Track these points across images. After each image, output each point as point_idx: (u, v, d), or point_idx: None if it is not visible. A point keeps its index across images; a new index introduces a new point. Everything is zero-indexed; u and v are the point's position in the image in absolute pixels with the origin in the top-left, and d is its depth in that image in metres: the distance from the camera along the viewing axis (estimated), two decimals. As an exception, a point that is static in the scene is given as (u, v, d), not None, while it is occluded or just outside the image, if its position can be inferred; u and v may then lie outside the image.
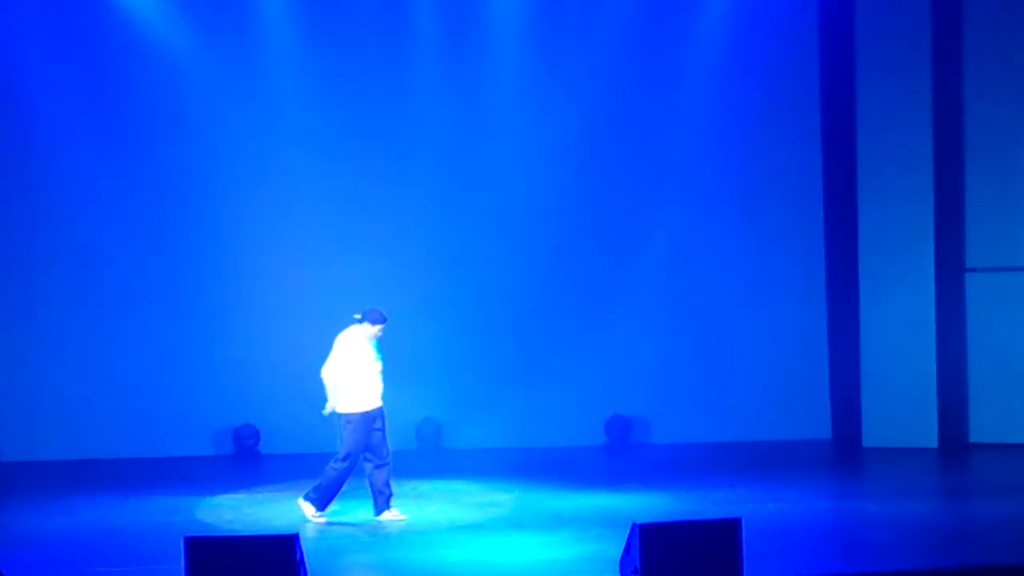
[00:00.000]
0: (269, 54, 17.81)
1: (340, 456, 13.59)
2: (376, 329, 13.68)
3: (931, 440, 17.47)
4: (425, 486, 15.14)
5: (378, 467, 13.57)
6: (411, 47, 17.92)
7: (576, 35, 18.07)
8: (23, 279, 17.76)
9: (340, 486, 13.66)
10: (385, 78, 17.93)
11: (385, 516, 13.53)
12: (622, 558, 10.38)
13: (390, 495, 13.59)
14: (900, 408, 17.51)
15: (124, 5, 17.50)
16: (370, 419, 13.55)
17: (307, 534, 12.66)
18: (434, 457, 17.36)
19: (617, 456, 17.78)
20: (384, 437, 13.64)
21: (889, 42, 17.49)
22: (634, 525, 9.91)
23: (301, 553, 9.66)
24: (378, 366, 13.70)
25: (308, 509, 13.68)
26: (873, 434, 17.66)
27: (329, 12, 17.87)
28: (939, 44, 17.53)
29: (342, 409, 13.59)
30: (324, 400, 13.80)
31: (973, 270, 17.80)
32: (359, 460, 13.61)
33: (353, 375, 13.58)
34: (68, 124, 17.64)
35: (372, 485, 13.62)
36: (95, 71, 17.59)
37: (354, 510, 13.98)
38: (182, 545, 9.54)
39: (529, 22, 17.98)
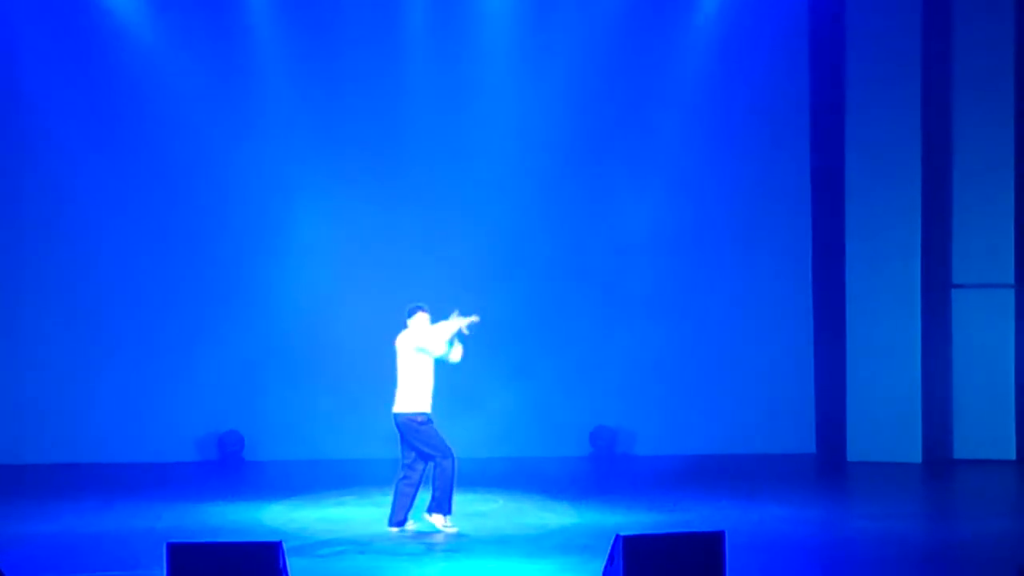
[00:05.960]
0: (271, 54, 17.87)
1: (436, 459, 13.29)
2: (425, 316, 13.56)
3: (915, 455, 17.51)
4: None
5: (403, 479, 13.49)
6: (411, 40, 17.99)
7: (568, 42, 18.11)
8: (8, 284, 17.74)
9: (452, 482, 13.31)
10: (373, 85, 17.97)
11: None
12: (605, 569, 10.36)
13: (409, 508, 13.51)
14: (885, 423, 17.55)
15: (124, 6, 17.51)
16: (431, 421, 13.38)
17: (291, 543, 12.63)
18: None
19: (602, 467, 17.79)
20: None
21: (879, 59, 17.54)
22: (618, 537, 9.89)
23: (284, 561, 9.64)
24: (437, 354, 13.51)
25: (437, 520, 13.38)
26: (858, 449, 17.69)
27: (341, 12, 17.96)
28: (928, 62, 17.59)
29: (410, 409, 13.28)
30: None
31: (959, 286, 17.84)
32: (453, 454, 13.32)
33: (419, 372, 13.38)
34: (57, 134, 17.62)
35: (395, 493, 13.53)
36: (91, 74, 17.60)
37: (345, 518, 13.96)
38: (165, 551, 9.51)
39: (521, 26, 18.04)
